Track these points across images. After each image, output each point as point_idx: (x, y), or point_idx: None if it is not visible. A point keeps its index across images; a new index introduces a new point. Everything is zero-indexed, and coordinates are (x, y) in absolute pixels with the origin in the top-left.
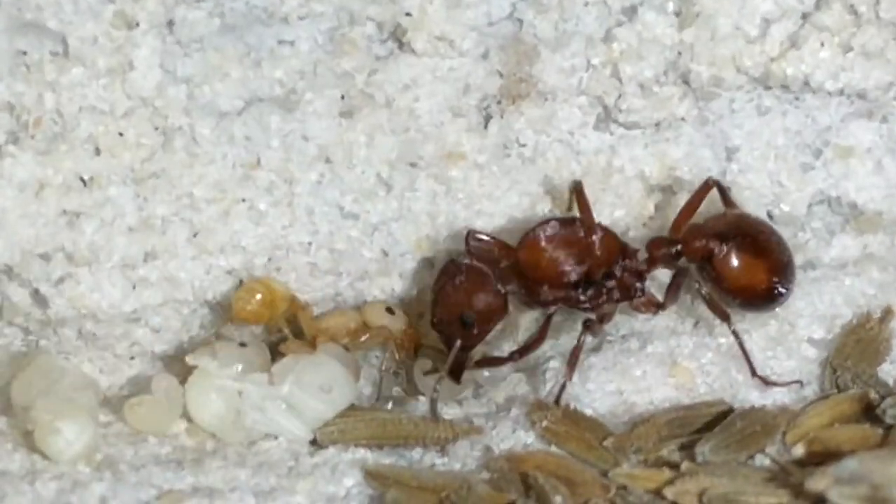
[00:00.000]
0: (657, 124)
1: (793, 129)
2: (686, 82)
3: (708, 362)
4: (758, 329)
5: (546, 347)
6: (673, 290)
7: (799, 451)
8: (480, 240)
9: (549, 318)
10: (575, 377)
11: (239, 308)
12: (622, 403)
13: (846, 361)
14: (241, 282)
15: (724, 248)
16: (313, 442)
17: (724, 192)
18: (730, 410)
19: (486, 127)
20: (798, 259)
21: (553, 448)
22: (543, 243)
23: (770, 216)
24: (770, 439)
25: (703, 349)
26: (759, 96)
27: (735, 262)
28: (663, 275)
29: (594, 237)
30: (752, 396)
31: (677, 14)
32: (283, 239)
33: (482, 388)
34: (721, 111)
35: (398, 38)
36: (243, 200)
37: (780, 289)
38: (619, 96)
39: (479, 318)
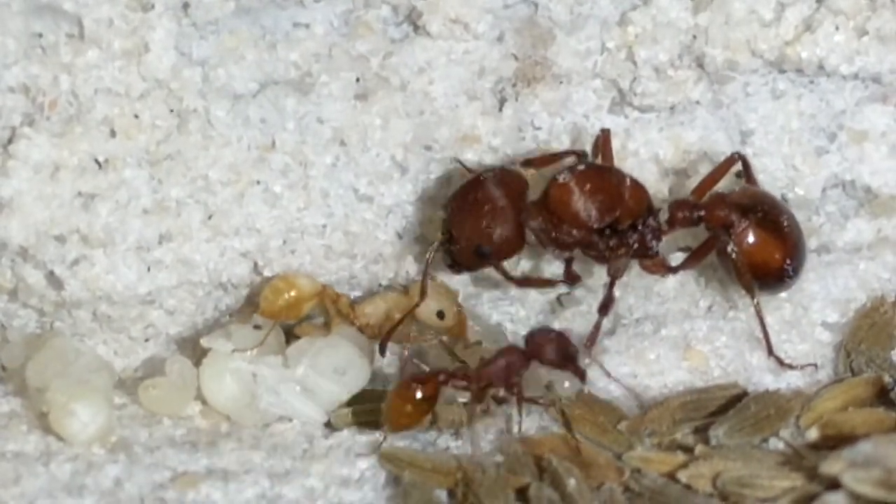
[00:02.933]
0: (672, 108)
1: (807, 112)
2: (701, 66)
3: (722, 346)
4: (772, 312)
5: None
6: (697, 255)
7: (813, 434)
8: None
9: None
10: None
11: (265, 307)
12: (636, 387)
13: (860, 345)
14: (266, 277)
15: (745, 222)
16: (327, 424)
17: (748, 168)
18: (744, 394)
19: (500, 110)
20: (812, 243)
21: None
22: (576, 184)
23: (784, 200)
24: (784, 423)
25: (716, 333)
26: (773, 80)
27: (752, 237)
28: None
29: (626, 187)
30: (766, 380)
31: None
32: (298, 221)
33: None
34: (735, 95)
35: (413, 21)
36: (258, 183)
37: (791, 272)
38: (634, 80)
39: (496, 249)
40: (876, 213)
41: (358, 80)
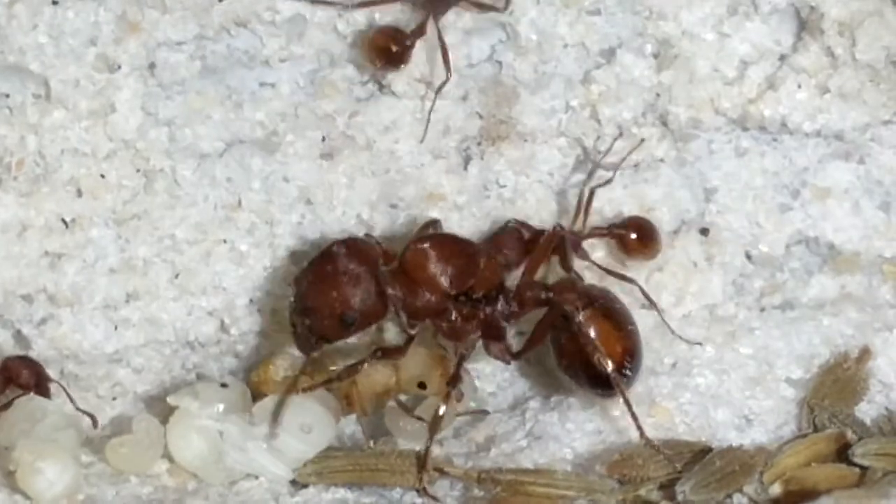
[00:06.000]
0: (636, 165)
1: (771, 170)
2: (664, 124)
3: (686, 402)
4: (736, 369)
5: (525, 388)
6: (537, 337)
7: (776, 490)
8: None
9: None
10: (555, 417)
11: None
12: (601, 443)
13: (823, 401)
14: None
15: (590, 311)
16: (294, 482)
17: (564, 249)
18: (708, 450)
19: (465, 168)
20: (776, 299)
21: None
22: (432, 248)
23: (748, 256)
24: (748, 478)
25: (681, 389)
26: (737, 137)
27: (595, 328)
28: None
29: (481, 257)
30: (730, 436)
31: (655, 56)
32: (265, 280)
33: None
34: (699, 152)
35: (378, 81)
36: (224, 242)
37: (628, 371)
38: (598, 138)
39: (361, 316)
40: (839, 270)
41: (324, 139)
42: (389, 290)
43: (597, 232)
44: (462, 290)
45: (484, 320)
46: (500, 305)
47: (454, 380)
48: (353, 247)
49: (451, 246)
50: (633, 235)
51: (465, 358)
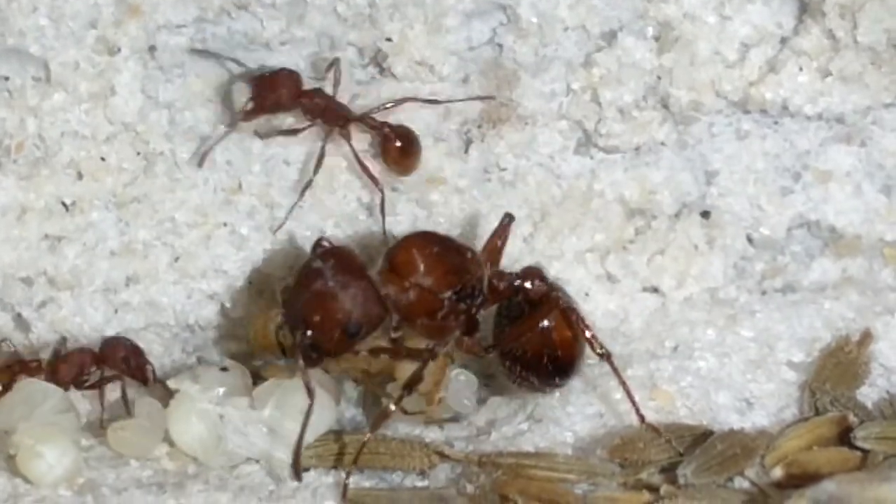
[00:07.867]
0: (637, 148)
1: (772, 152)
2: (665, 107)
3: (688, 385)
4: (737, 352)
5: None
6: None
7: (777, 473)
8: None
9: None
10: (555, 400)
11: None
12: (602, 426)
13: (825, 384)
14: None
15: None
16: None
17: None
18: (709, 433)
19: (466, 151)
20: (777, 282)
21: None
22: (421, 247)
23: (750, 240)
24: (749, 462)
25: (682, 373)
26: (738, 120)
27: (559, 318)
28: None
29: (465, 249)
30: (731, 419)
31: (656, 39)
32: (265, 263)
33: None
34: (700, 135)
35: (379, 63)
36: (225, 225)
37: (574, 369)
38: (599, 121)
39: (365, 324)
40: (841, 253)
41: None
42: (384, 292)
43: (369, 120)
44: (455, 287)
45: (466, 315)
46: (479, 299)
47: (414, 381)
48: (336, 254)
49: (436, 241)
50: (398, 143)
51: (435, 357)
